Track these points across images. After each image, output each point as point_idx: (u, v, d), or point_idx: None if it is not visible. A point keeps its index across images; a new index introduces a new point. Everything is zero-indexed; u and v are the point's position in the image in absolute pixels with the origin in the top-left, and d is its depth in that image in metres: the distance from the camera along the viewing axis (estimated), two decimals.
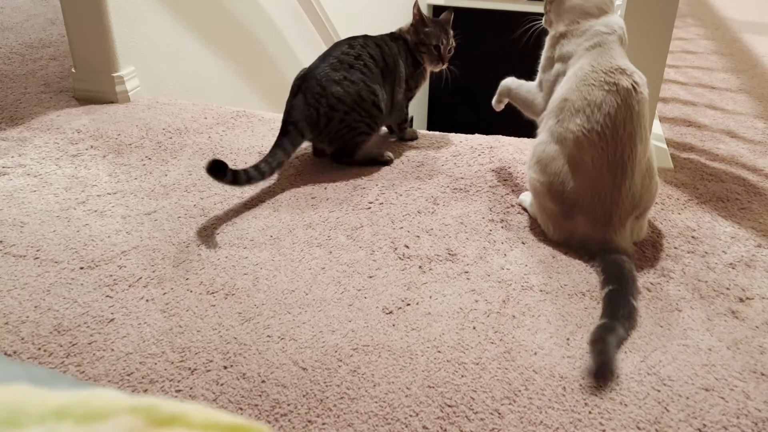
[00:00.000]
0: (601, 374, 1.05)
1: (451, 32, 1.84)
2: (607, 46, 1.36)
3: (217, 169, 1.41)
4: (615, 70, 1.31)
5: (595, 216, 1.31)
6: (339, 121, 1.64)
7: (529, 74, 1.77)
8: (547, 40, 1.50)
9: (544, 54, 1.51)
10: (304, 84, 1.65)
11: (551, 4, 1.48)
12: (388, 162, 1.75)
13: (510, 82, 1.65)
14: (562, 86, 1.39)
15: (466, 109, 4.49)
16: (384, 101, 1.73)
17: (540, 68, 1.52)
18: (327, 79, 1.64)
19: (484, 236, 1.44)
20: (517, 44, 1.84)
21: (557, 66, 1.44)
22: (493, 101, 1.72)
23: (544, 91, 1.49)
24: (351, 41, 1.74)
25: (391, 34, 1.83)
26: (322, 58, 1.70)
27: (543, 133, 1.40)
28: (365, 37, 1.76)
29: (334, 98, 1.63)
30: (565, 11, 1.45)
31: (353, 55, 1.69)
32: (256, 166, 1.51)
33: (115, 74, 2.05)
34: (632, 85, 1.29)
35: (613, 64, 1.32)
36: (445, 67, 1.84)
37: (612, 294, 1.21)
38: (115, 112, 2.02)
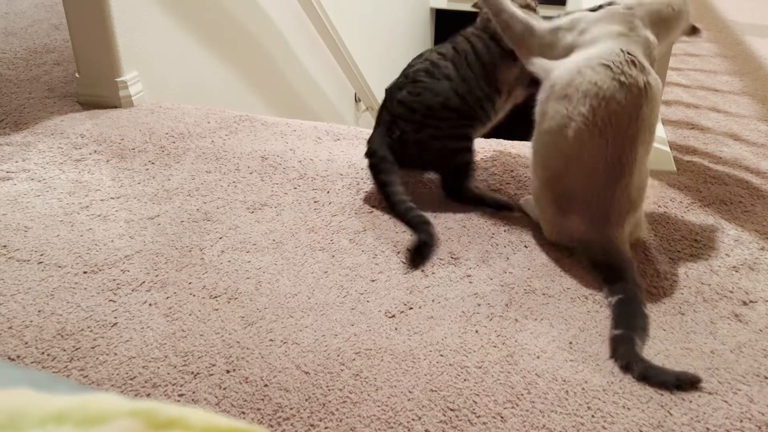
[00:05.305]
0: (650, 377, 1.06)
1: None
2: (635, 37, 1.31)
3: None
4: (635, 64, 1.26)
5: (590, 214, 1.29)
6: (413, 143, 1.52)
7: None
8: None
9: (576, 14, 1.41)
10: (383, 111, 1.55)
11: None
12: (511, 208, 1.53)
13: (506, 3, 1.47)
14: (574, 60, 1.31)
15: None
16: (476, 101, 1.54)
17: (559, 22, 1.41)
18: (392, 100, 1.54)
19: (486, 240, 1.44)
20: None
21: (574, 36, 1.37)
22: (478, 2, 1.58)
23: (547, 42, 1.39)
24: (432, 52, 1.59)
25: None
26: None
27: (545, 119, 1.32)
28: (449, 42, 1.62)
29: (402, 120, 1.51)
30: None
31: (419, 67, 1.55)
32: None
33: (118, 79, 2.06)
34: (645, 85, 1.25)
35: (636, 59, 1.27)
36: None
37: (622, 303, 1.20)
38: (119, 117, 2.03)
